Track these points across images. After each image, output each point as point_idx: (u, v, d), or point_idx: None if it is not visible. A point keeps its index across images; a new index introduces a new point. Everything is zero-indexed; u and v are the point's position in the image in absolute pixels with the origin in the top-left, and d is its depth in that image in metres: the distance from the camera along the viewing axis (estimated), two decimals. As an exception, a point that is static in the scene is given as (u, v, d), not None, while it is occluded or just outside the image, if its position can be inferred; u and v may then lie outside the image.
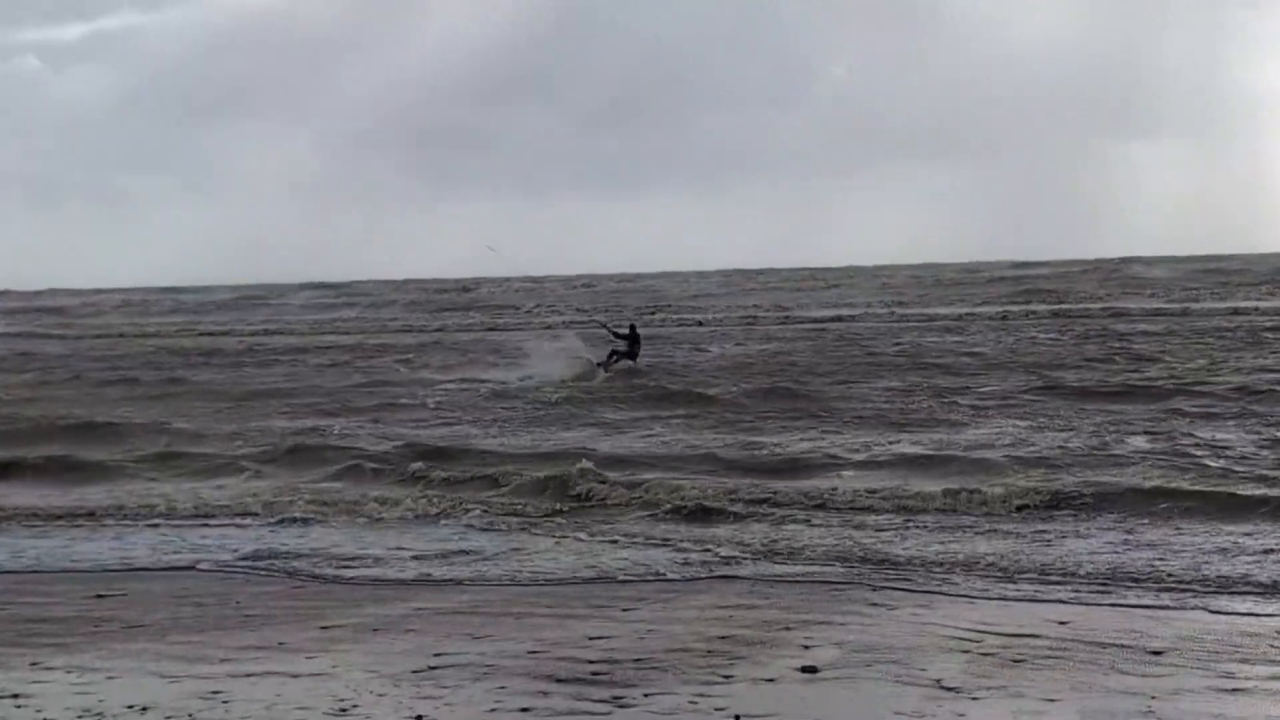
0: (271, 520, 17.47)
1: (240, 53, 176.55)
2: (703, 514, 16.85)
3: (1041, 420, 23.51)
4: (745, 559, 14.31)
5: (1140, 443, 20.64)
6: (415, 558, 14.92)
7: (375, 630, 11.28)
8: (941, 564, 13.71)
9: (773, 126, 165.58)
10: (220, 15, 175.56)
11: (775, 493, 17.77)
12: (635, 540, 15.62)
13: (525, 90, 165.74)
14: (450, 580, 13.68)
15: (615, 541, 15.60)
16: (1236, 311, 48.44)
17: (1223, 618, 11.17)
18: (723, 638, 10.59)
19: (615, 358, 33.39)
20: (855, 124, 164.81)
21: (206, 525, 17.37)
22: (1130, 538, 14.69)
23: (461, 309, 73.14)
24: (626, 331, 34.51)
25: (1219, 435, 20.97)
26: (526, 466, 20.23)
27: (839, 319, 53.54)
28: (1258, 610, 11.45)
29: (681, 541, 15.36)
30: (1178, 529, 15.04)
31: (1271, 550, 13.78)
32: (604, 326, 37.23)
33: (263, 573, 14.34)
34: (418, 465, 20.73)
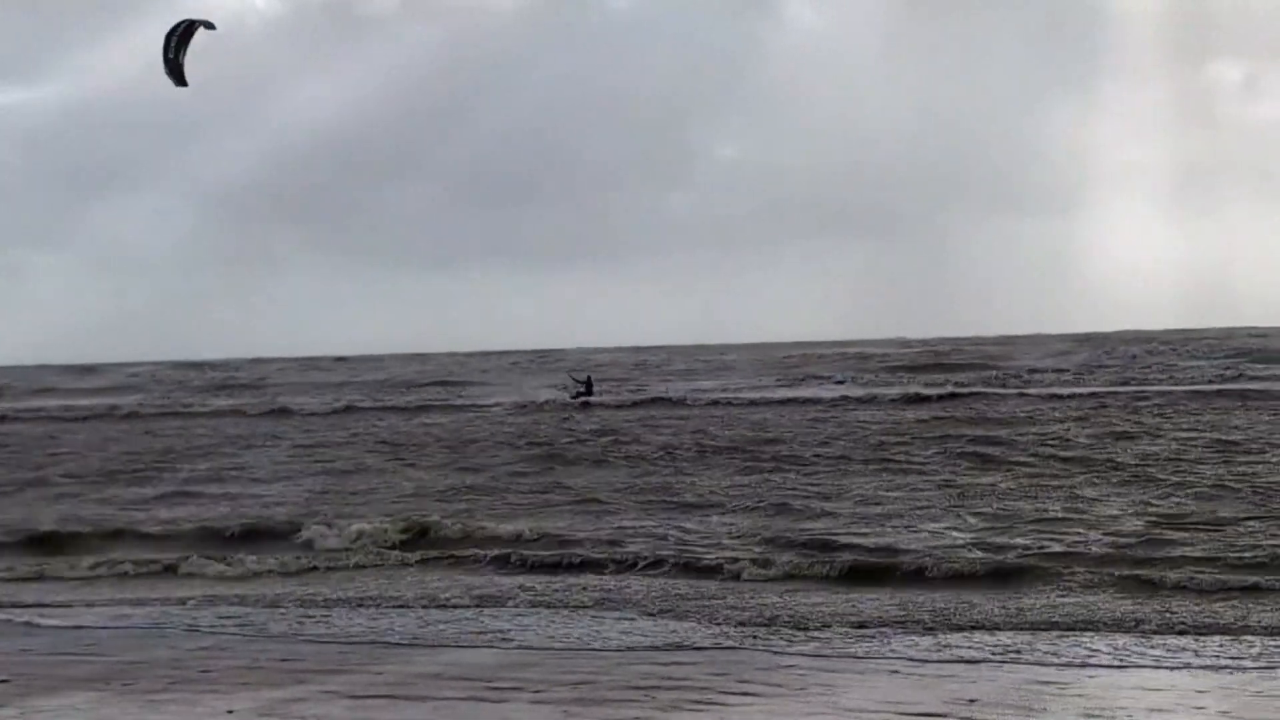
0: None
1: (122, 127, 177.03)
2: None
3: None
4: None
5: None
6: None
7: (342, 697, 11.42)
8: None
9: (660, 205, 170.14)
10: (98, 91, 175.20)
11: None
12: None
13: (410, 166, 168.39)
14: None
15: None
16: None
17: None
18: None
19: (578, 394, 52.07)
20: (740, 203, 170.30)
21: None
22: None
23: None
24: (585, 378, 54.39)
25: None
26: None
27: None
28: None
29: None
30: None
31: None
32: (570, 375, 58.34)
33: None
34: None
